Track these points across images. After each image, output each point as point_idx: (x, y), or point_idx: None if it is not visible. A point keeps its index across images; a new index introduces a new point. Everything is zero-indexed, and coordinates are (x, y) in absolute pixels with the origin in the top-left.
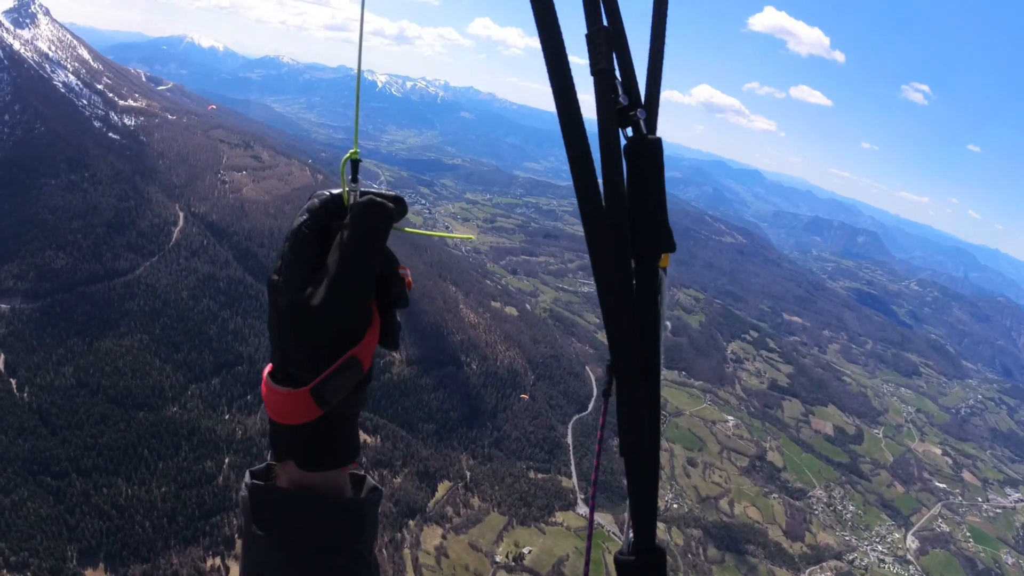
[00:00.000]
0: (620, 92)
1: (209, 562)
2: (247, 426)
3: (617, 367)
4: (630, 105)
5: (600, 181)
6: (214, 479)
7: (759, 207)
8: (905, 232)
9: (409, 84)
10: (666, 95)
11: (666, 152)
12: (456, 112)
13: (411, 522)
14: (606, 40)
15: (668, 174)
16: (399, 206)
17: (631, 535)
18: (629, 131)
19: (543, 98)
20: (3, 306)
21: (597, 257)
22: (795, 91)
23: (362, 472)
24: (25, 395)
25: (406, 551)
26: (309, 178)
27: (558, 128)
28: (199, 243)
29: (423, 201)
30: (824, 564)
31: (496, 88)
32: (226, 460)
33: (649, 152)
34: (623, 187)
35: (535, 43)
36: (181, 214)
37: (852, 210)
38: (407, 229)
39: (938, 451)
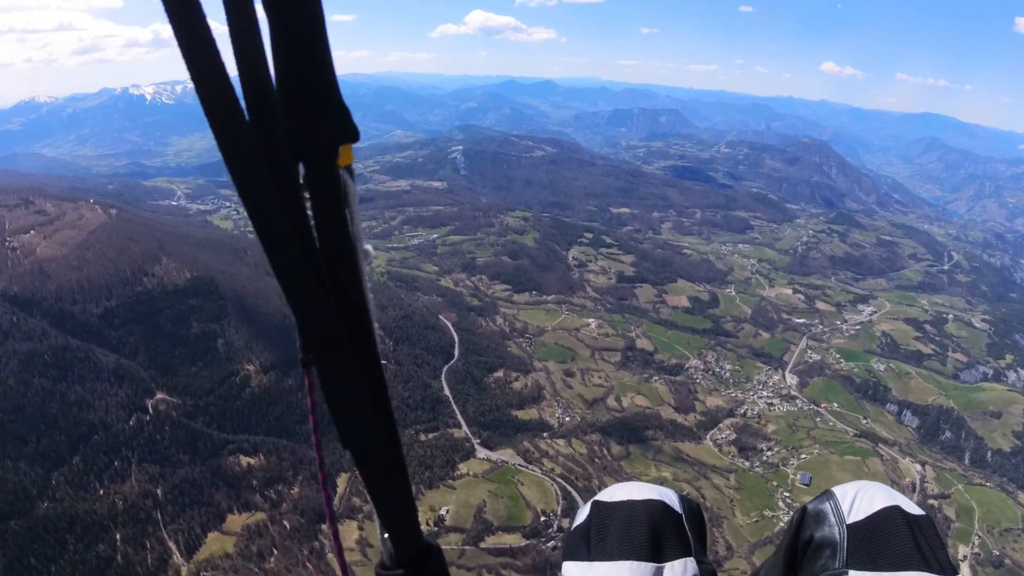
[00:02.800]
0: None
1: None
2: (125, 494)
3: (306, 328)
4: None
5: (232, 48)
6: (112, 560)
7: (560, 115)
8: (703, 102)
9: (179, 88)
10: (441, 28)
11: (456, 85)
12: None
13: (323, 526)
14: None
15: (463, 105)
16: None
17: (390, 543)
18: None
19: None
20: None
21: (235, 167)
22: None
23: None
24: None
25: (330, 556)
26: (103, 216)
27: (346, 93)
28: (9, 322)
29: (228, 203)
30: (721, 425)
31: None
32: (117, 536)
33: None
34: (262, 50)
35: None
36: None
37: (648, 94)
38: None
39: (788, 291)
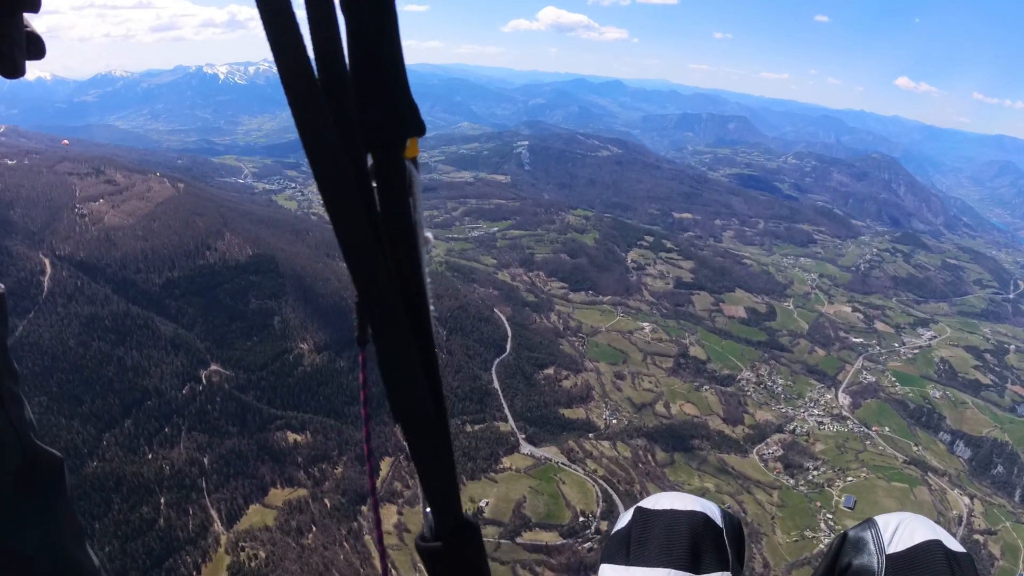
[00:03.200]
0: None
1: None
2: (172, 460)
3: (368, 304)
4: None
5: (310, 41)
6: (155, 523)
7: (627, 116)
8: (772, 111)
9: (252, 69)
10: (513, 23)
11: (525, 80)
12: None
13: (364, 508)
14: None
15: (531, 101)
16: None
17: (431, 517)
18: None
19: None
20: None
21: (314, 150)
22: None
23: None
24: None
25: (367, 537)
26: (171, 190)
27: (416, 82)
28: (73, 286)
29: (293, 184)
30: (768, 440)
31: None
32: (162, 500)
33: None
34: (341, 47)
35: None
36: (47, 261)
37: (718, 100)
38: None
39: (848, 309)
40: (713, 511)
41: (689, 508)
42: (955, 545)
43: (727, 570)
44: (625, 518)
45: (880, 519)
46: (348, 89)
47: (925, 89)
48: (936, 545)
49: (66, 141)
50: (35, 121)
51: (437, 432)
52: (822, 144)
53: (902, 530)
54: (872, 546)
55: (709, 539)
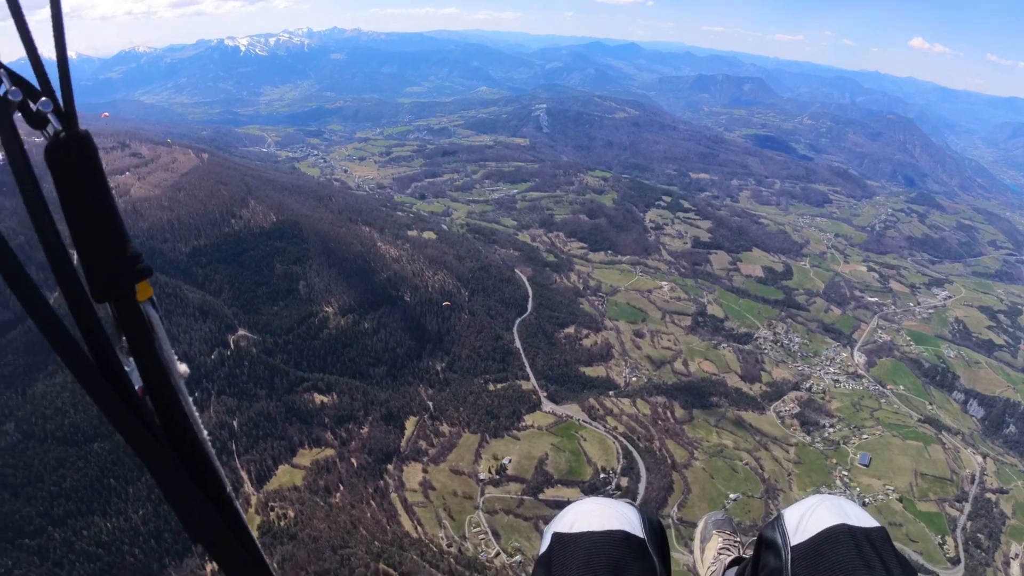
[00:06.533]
0: (9, 83)
1: (208, 567)
2: (202, 423)
3: (134, 450)
4: (29, 96)
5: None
6: None
7: (644, 78)
8: (787, 72)
9: (272, 40)
10: None
11: (541, 44)
12: (326, 56)
13: (389, 466)
14: None
15: (548, 64)
16: None
17: None
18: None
19: (410, 21)
20: None
21: (40, 325)
22: None
23: None
24: None
25: (393, 495)
26: (195, 159)
27: (433, 49)
28: None
29: (316, 152)
30: (785, 397)
31: (360, 23)
32: None
33: (75, 154)
34: (49, 215)
35: None
36: None
37: (733, 61)
38: None
39: (863, 268)
40: (632, 522)
41: (606, 528)
42: (866, 521)
43: None
44: (544, 542)
45: (787, 511)
46: (61, 250)
47: (940, 50)
48: (840, 529)
49: (106, 114)
50: None
51: (242, 550)
52: (837, 105)
53: (807, 519)
54: (779, 541)
55: (631, 557)
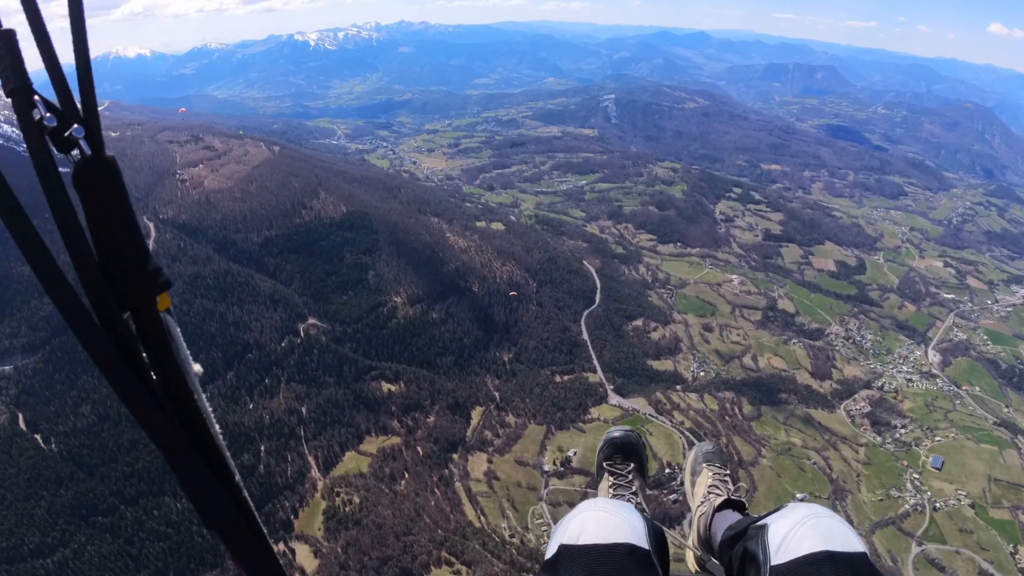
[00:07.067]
0: (44, 110)
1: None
2: (272, 409)
3: (156, 444)
4: (62, 123)
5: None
6: (255, 470)
7: (713, 67)
8: (861, 60)
9: (341, 35)
10: None
11: (609, 34)
12: (394, 49)
13: (454, 455)
14: (9, 50)
15: (616, 55)
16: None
17: None
18: (76, 153)
19: (477, 13)
20: (6, 368)
21: (76, 327)
22: None
23: None
24: (53, 446)
25: (457, 484)
26: (267, 152)
27: (500, 40)
28: (176, 247)
29: (385, 144)
30: (856, 396)
31: (427, 15)
32: (262, 448)
33: (102, 177)
34: (80, 230)
35: None
36: (151, 224)
37: (804, 49)
38: None
39: (939, 264)
40: (638, 532)
41: (612, 541)
42: (850, 545)
43: None
44: (551, 548)
45: (773, 525)
46: (91, 262)
47: (1020, 36)
48: (821, 556)
49: (182, 109)
50: (137, 95)
51: (251, 536)
52: (912, 94)
53: (789, 539)
54: (760, 558)
55: (635, 570)
